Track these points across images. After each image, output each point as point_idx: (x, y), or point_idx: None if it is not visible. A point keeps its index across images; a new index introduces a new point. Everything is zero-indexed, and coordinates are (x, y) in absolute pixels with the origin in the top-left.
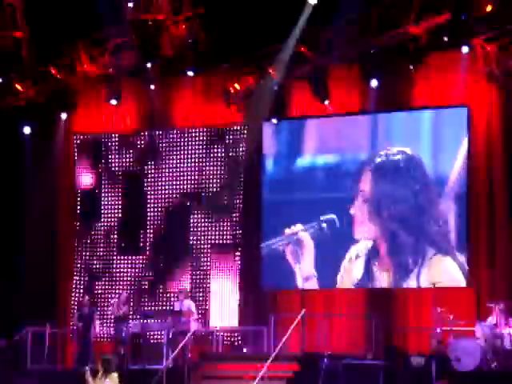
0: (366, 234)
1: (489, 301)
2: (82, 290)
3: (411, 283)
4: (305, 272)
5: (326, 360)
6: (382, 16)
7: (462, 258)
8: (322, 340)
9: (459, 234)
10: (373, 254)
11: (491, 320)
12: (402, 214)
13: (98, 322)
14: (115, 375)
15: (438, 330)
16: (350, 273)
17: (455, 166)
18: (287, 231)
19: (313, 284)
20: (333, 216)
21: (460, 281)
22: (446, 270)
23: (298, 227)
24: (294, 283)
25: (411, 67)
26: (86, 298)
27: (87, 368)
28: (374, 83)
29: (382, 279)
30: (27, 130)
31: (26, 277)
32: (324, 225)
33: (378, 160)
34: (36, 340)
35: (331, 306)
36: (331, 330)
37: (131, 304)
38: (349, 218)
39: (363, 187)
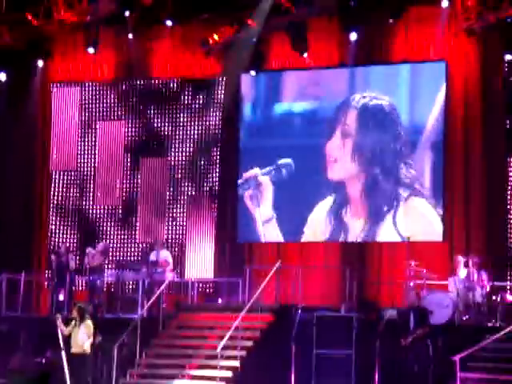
0: (341, 172)
1: (462, 255)
2: (57, 238)
3: (385, 229)
4: (264, 215)
5: (299, 311)
6: None
7: (438, 207)
8: (297, 292)
9: (435, 181)
10: (344, 200)
11: (463, 273)
12: (381, 157)
13: (72, 263)
14: (90, 322)
15: (412, 284)
16: (320, 222)
17: (431, 117)
18: (245, 175)
19: (272, 225)
20: (288, 160)
21: (435, 224)
22: (421, 214)
23: (256, 170)
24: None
25: (391, 20)
26: (63, 246)
27: (58, 315)
28: (353, 36)
29: (355, 227)
30: (3, 76)
31: (2, 224)
32: (283, 170)
33: (363, 101)
34: (11, 287)
35: (306, 259)
36: (306, 282)
37: (107, 254)
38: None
39: (347, 122)
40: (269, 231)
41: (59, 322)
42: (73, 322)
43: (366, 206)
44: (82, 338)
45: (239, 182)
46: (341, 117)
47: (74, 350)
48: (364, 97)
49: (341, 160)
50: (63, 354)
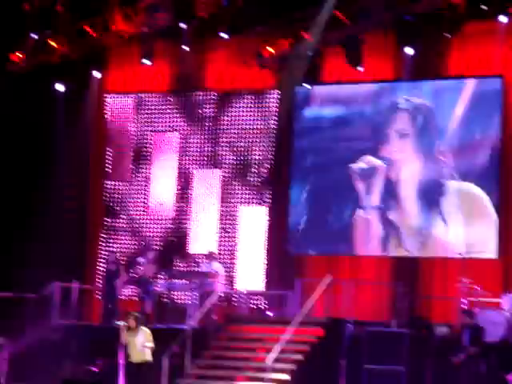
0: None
1: None
2: (108, 249)
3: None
4: (374, 202)
5: (350, 326)
6: None
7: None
8: (347, 306)
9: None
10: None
11: None
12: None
13: (123, 278)
14: (146, 330)
15: (465, 301)
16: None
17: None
18: (367, 159)
19: (376, 214)
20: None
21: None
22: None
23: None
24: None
25: (448, 35)
26: (113, 255)
27: (122, 323)
28: (409, 51)
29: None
30: (60, 87)
31: (56, 233)
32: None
33: (413, 101)
34: (64, 296)
35: (357, 273)
36: (356, 296)
37: (158, 264)
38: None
39: (398, 126)
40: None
41: (123, 329)
42: (131, 331)
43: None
44: (142, 346)
45: (361, 164)
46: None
47: (134, 358)
48: (408, 100)
49: (406, 161)
50: (120, 362)
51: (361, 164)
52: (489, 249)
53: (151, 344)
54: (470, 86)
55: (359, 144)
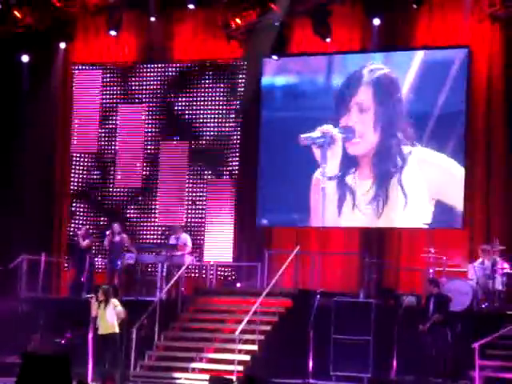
0: (361, 147)
1: (484, 243)
2: (77, 220)
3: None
4: (330, 172)
5: (318, 297)
6: None
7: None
8: (316, 277)
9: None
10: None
11: (484, 261)
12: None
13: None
14: (115, 300)
15: (431, 271)
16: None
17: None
18: (321, 129)
19: (333, 184)
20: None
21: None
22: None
23: (330, 127)
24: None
25: (414, 6)
26: (83, 229)
27: (91, 296)
28: (376, 21)
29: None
30: (25, 58)
31: (22, 206)
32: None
33: (376, 75)
34: (31, 269)
35: (325, 244)
36: (324, 267)
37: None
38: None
39: (360, 99)
40: (329, 191)
41: (93, 303)
42: (100, 304)
43: (374, 171)
44: (111, 318)
45: (314, 134)
46: (353, 92)
47: (102, 331)
48: (372, 70)
49: (363, 135)
50: (89, 334)
51: (314, 133)
52: (454, 219)
53: (122, 309)
54: (433, 56)
55: (321, 114)
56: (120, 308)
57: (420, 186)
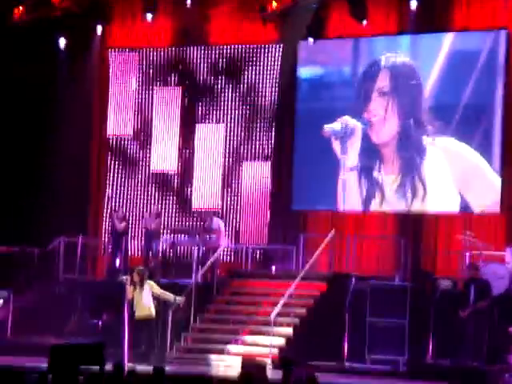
0: (384, 134)
1: None
2: (113, 203)
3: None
4: (350, 162)
5: (353, 280)
6: None
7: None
8: (351, 261)
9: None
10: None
11: None
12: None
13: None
14: (152, 282)
15: (467, 255)
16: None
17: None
18: (341, 120)
19: (355, 174)
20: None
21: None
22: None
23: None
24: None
25: None
26: (120, 210)
27: (125, 277)
28: (413, 4)
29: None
30: (62, 42)
31: (59, 189)
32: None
33: (395, 60)
34: (68, 251)
35: (360, 228)
36: (360, 251)
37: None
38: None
39: (380, 84)
40: (350, 181)
41: (128, 285)
42: (135, 286)
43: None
44: (147, 300)
45: (335, 125)
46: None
47: (139, 313)
48: (388, 57)
49: (383, 122)
50: (125, 317)
51: (335, 125)
52: (492, 203)
53: (167, 294)
54: (463, 42)
55: (345, 104)
56: (165, 293)
57: (449, 174)
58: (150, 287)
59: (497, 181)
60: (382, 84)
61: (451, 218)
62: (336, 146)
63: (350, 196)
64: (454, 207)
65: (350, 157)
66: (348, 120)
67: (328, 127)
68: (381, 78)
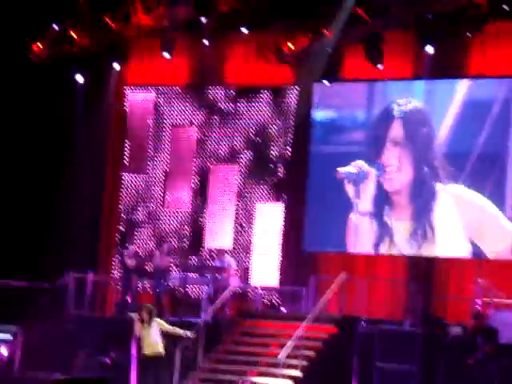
0: (396, 182)
1: None
2: (125, 242)
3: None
4: (363, 207)
5: (363, 324)
6: None
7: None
8: (361, 304)
9: None
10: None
11: None
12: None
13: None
14: (160, 320)
15: (479, 302)
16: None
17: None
18: (356, 163)
19: (366, 221)
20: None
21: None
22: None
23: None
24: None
25: (469, 34)
26: (131, 248)
27: (134, 314)
28: (429, 49)
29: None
30: (80, 78)
31: (71, 224)
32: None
33: (406, 108)
34: (78, 287)
35: (371, 271)
36: (370, 294)
37: (172, 257)
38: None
39: (393, 133)
40: (362, 226)
41: (137, 322)
42: (143, 323)
43: (410, 208)
44: (156, 337)
45: (349, 168)
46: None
47: (147, 351)
48: (400, 104)
49: (397, 170)
50: (133, 354)
51: (349, 168)
52: (502, 249)
53: (177, 329)
54: (477, 90)
55: (359, 148)
56: (174, 329)
57: (460, 221)
58: (158, 324)
59: (509, 227)
60: (394, 134)
61: (463, 264)
62: (349, 189)
63: (361, 240)
64: (464, 253)
65: (363, 201)
66: (363, 165)
67: (342, 170)
68: (393, 127)
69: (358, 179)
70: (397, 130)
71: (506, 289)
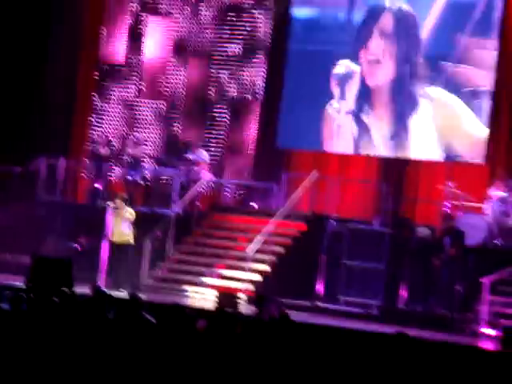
0: (380, 77)
1: (504, 178)
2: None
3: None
4: (347, 107)
5: (333, 222)
6: None
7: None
8: (332, 203)
9: None
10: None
11: (501, 197)
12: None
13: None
14: (131, 210)
15: (448, 205)
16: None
17: None
18: (342, 62)
19: (350, 119)
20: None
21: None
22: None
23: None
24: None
25: None
26: (104, 137)
27: (110, 203)
28: None
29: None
30: None
31: (45, 109)
32: None
33: (400, 5)
34: (49, 173)
35: (344, 170)
36: (341, 193)
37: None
38: None
39: (382, 23)
40: (345, 127)
41: (110, 210)
42: (113, 212)
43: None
44: (127, 227)
45: (337, 67)
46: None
47: (116, 239)
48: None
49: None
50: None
51: (338, 69)
52: (474, 154)
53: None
54: None
55: (341, 48)
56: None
57: (434, 123)
58: (130, 214)
59: (483, 132)
60: (384, 24)
61: (434, 167)
62: (335, 90)
63: (343, 139)
64: (437, 156)
65: (348, 100)
66: (350, 64)
67: (334, 71)
68: (384, 18)
69: (345, 79)
70: (387, 22)
71: (476, 193)
